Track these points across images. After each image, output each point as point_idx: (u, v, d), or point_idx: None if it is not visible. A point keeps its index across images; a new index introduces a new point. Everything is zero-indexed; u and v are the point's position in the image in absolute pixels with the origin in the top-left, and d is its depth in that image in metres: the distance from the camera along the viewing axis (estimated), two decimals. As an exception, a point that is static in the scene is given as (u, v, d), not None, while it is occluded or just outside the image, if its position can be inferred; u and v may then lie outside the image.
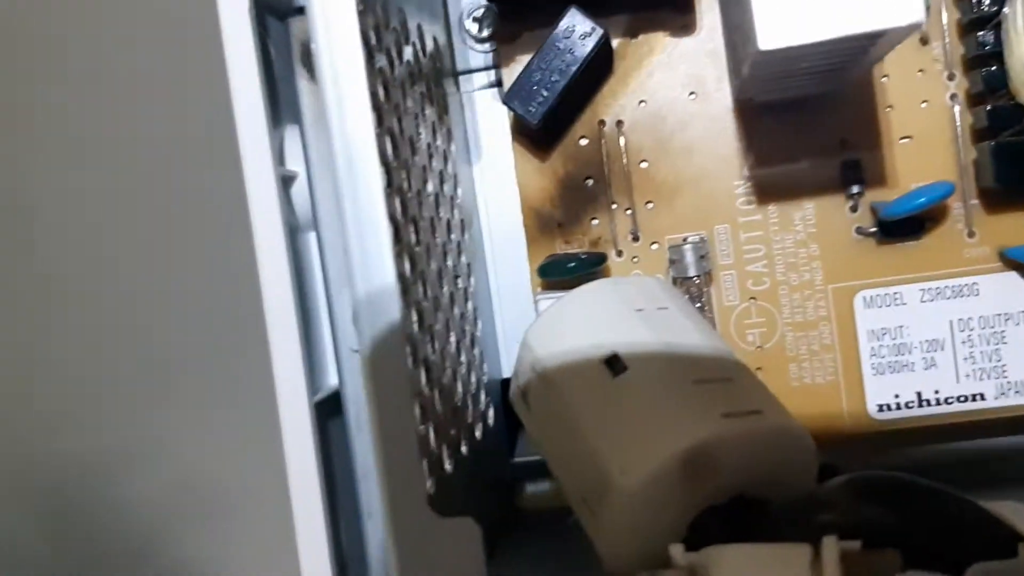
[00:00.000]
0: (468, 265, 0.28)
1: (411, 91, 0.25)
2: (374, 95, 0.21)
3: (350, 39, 0.19)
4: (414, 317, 0.22)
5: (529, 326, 0.24)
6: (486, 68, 0.29)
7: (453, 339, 0.25)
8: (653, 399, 0.20)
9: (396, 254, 0.20)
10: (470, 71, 0.29)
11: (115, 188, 0.44)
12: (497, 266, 0.29)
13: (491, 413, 0.28)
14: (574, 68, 0.25)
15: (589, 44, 0.25)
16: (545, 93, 0.25)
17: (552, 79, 0.25)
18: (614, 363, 0.21)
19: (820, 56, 0.21)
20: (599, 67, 0.27)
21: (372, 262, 0.20)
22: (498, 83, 0.29)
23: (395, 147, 0.23)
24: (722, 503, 0.20)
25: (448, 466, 0.23)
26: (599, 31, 0.25)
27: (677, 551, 0.18)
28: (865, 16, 0.20)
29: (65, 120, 0.44)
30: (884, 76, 0.26)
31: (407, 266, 0.22)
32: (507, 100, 0.26)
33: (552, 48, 0.25)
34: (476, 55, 0.29)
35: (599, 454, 0.20)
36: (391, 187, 0.22)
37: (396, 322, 0.20)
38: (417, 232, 0.24)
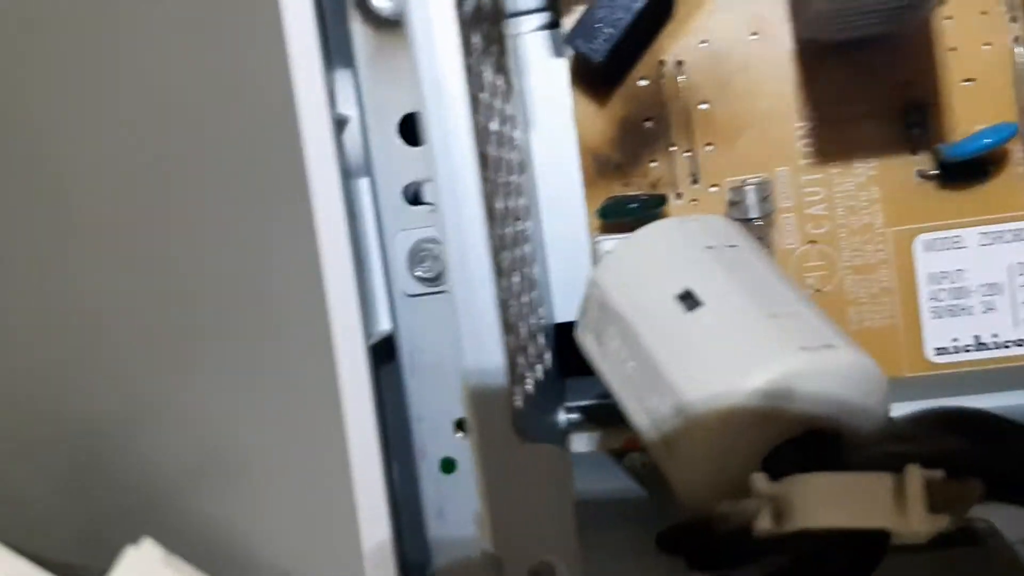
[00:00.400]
0: (526, 207, 0.28)
1: (477, 28, 0.25)
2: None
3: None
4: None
5: (596, 266, 0.24)
6: (541, 9, 0.29)
7: (516, 279, 0.26)
8: (729, 333, 0.20)
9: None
10: (525, 12, 0.29)
11: (166, 130, 0.43)
12: (551, 210, 0.29)
13: (547, 356, 0.28)
14: (639, 4, 0.25)
15: (655, -20, 0.25)
16: (609, 30, 0.25)
17: (616, 16, 0.25)
18: (688, 298, 0.21)
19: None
20: (660, 6, 0.26)
21: (462, 196, 0.20)
22: (554, 24, 0.29)
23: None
24: (797, 436, 0.20)
25: (519, 403, 0.23)
26: (665, -33, 0.25)
27: (760, 481, 0.18)
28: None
29: (116, 61, 0.44)
30: (947, 18, 0.26)
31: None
32: (570, 39, 0.25)
33: (616, -15, 0.25)
34: (530, -4, 0.29)
35: (676, 389, 0.20)
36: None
37: (483, 254, 0.20)
38: (486, 169, 0.24)
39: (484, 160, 0.23)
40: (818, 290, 0.27)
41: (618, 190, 0.28)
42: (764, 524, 0.18)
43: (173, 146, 0.44)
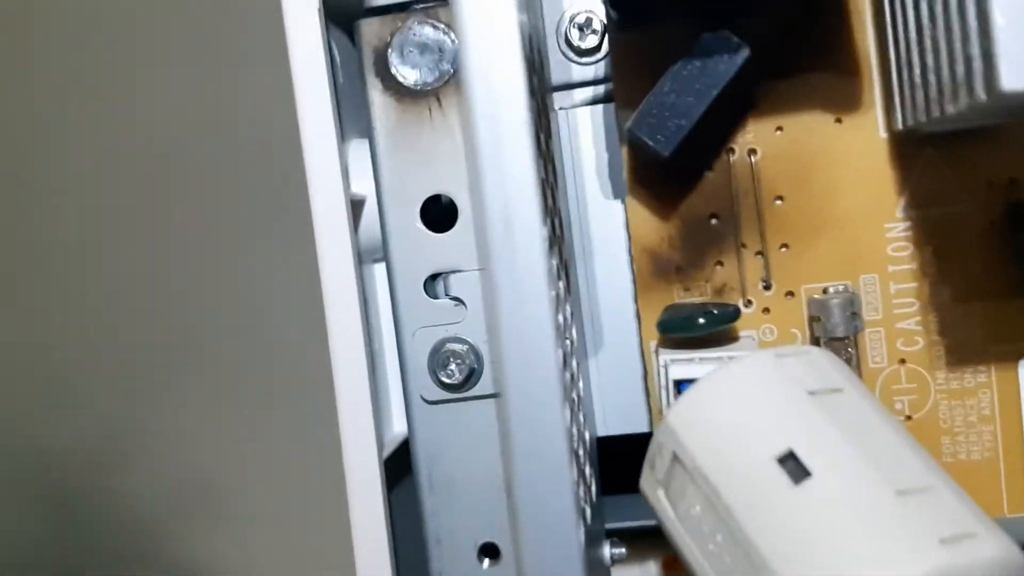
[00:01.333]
0: (571, 315, 0.24)
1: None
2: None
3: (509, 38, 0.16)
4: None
5: (672, 406, 0.20)
6: (589, 83, 0.25)
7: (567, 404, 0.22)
8: (850, 517, 0.17)
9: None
10: (571, 85, 0.26)
11: (171, 201, 0.40)
12: (595, 313, 0.26)
13: (594, 482, 0.25)
14: (714, 91, 0.22)
15: (734, 63, 0.21)
16: (678, 121, 0.22)
17: (687, 104, 0.22)
18: (792, 464, 0.18)
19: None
20: (737, 91, 0.23)
21: (527, 306, 0.17)
22: (607, 99, 0.25)
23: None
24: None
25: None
26: (744, 50, 0.21)
27: None
28: None
29: (124, 134, 0.41)
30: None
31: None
32: (634, 128, 0.22)
33: (689, 67, 0.21)
34: (574, 67, 0.25)
35: (783, 582, 0.17)
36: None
37: (551, 369, 0.17)
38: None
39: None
40: (908, 416, 0.24)
41: (678, 294, 0.24)
42: None
43: (179, 215, 0.40)
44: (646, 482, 0.20)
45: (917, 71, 0.20)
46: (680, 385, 0.21)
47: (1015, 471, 0.24)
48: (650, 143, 0.22)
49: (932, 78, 0.19)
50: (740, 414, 0.19)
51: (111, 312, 0.45)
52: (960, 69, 0.18)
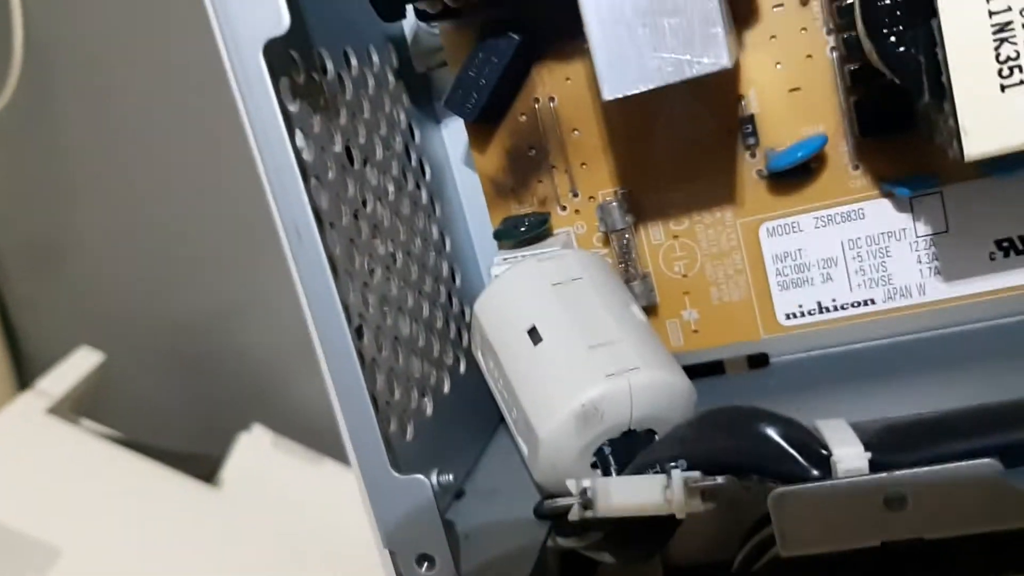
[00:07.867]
0: (441, 232, 0.34)
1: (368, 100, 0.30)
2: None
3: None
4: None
5: (477, 298, 0.30)
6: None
7: (426, 306, 0.31)
8: (557, 365, 0.27)
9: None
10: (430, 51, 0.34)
11: None
12: (475, 225, 0.36)
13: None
14: (499, 71, 0.30)
15: (510, 49, 0.30)
16: (475, 95, 0.31)
17: (481, 81, 0.31)
18: (533, 334, 0.28)
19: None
20: (525, 60, 0.31)
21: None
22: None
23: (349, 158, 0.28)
24: (616, 438, 0.27)
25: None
26: (515, 39, 0.30)
27: (572, 483, 0.25)
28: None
29: None
30: (772, 36, 0.30)
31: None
32: (447, 105, 0.31)
33: (476, 56, 0.30)
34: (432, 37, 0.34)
35: (525, 411, 0.27)
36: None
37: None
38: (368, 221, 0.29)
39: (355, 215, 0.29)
40: (684, 275, 0.33)
41: (514, 208, 0.34)
42: (575, 515, 0.25)
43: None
44: (472, 346, 0.31)
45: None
46: (496, 280, 0.31)
47: (765, 306, 0.33)
48: (458, 115, 0.31)
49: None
50: (509, 302, 0.29)
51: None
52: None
